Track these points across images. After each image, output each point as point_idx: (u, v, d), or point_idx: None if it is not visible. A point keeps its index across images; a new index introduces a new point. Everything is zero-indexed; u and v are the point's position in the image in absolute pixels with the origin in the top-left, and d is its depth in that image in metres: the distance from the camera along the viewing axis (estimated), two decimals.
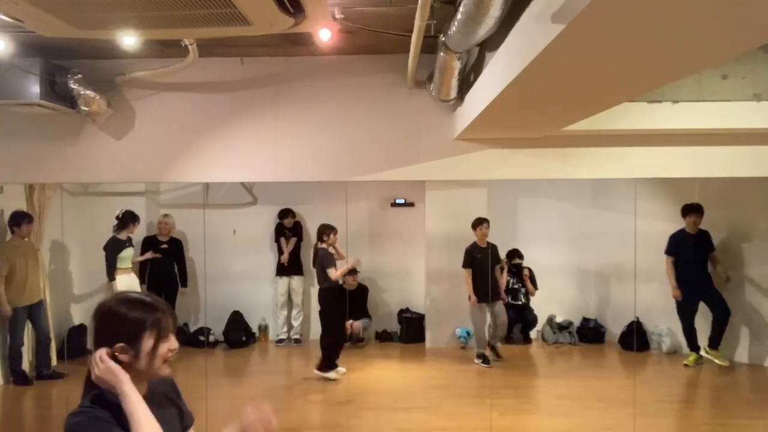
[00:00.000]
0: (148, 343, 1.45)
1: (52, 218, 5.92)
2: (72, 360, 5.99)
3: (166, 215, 6.83)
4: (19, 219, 5.55)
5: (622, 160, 4.75)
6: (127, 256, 6.10)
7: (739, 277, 6.13)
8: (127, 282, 5.96)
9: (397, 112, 4.77)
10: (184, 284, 6.81)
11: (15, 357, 5.64)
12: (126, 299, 1.49)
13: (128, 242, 6.16)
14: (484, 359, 6.10)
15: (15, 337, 5.57)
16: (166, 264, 6.63)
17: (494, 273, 6.21)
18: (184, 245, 6.94)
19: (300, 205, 7.16)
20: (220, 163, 4.78)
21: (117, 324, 1.44)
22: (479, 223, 6.20)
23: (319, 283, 5.80)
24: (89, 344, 6.44)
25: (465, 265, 6.24)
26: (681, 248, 6.03)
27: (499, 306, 6.25)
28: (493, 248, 6.28)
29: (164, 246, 6.66)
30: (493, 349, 6.24)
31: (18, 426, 5.02)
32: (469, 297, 6.18)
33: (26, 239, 5.63)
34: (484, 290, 6.17)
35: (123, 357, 1.43)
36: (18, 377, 5.62)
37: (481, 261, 6.19)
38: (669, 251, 6.07)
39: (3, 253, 5.49)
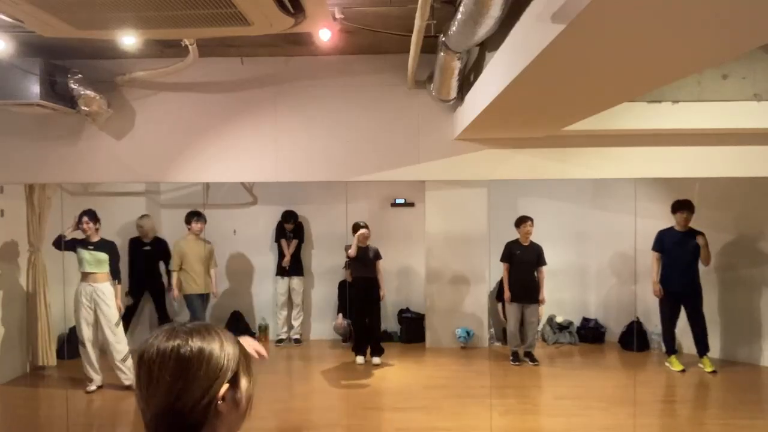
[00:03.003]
0: (244, 380, 1.10)
1: (52, 218, 5.92)
2: (71, 359, 6.00)
3: (143, 216, 6.64)
4: (190, 217, 6.20)
5: (622, 160, 4.75)
6: (84, 258, 5.35)
7: (739, 277, 6.13)
8: (85, 291, 5.33)
9: (397, 112, 4.77)
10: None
11: None
12: (189, 332, 1.08)
13: (81, 243, 5.37)
14: (514, 357, 6.21)
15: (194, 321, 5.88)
16: (150, 265, 6.51)
17: (538, 275, 6.21)
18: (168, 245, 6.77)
19: (300, 205, 7.16)
20: (220, 163, 4.78)
21: (203, 366, 1.04)
22: (522, 221, 6.22)
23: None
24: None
25: (502, 259, 6.31)
26: (667, 246, 5.96)
27: (531, 310, 6.21)
28: (536, 248, 6.24)
29: (147, 248, 6.55)
30: (527, 354, 6.25)
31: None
32: (504, 293, 6.26)
33: (198, 235, 6.25)
34: (518, 289, 6.20)
35: (226, 407, 1.06)
36: None
37: (519, 258, 6.20)
38: (654, 247, 6.02)
39: (177, 248, 6.28)
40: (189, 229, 6.28)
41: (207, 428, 1.04)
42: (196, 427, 1.03)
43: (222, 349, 1.07)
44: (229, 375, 1.06)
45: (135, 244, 6.60)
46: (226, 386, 1.05)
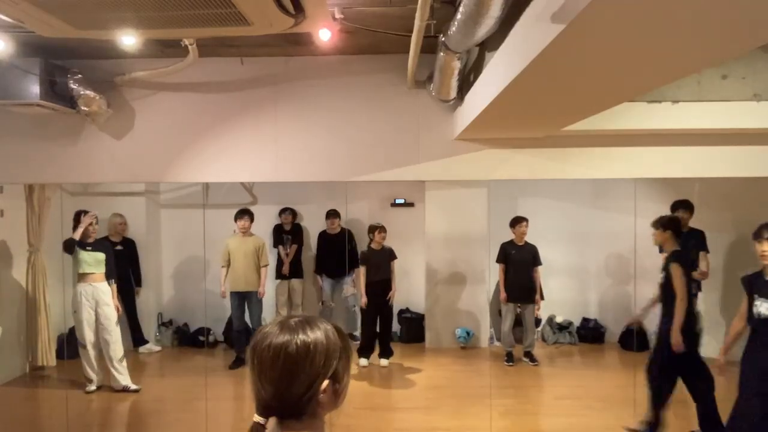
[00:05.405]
0: (345, 374, 1.21)
1: (51, 218, 5.92)
2: (71, 360, 6.00)
3: (118, 215, 6.58)
4: (237, 216, 6.26)
5: (622, 160, 4.75)
6: (82, 259, 5.34)
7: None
8: (86, 291, 5.33)
9: (397, 112, 4.77)
10: (139, 284, 6.73)
11: (234, 338, 6.40)
12: (296, 328, 1.17)
13: (78, 244, 5.35)
14: (508, 357, 6.21)
15: (233, 319, 6.37)
16: (120, 266, 6.15)
17: (533, 275, 6.22)
18: (137, 245, 6.77)
19: (300, 205, 7.16)
20: (220, 163, 4.78)
21: (306, 366, 1.14)
22: (517, 221, 6.23)
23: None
24: None
25: (498, 260, 6.32)
26: None
27: (529, 310, 6.24)
28: (531, 249, 6.25)
29: (119, 247, 6.44)
30: (526, 354, 6.27)
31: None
32: (500, 294, 6.26)
33: (245, 233, 6.23)
34: (514, 289, 6.21)
35: (326, 398, 1.17)
36: (235, 361, 6.18)
37: (514, 258, 6.21)
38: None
39: (225, 244, 6.30)
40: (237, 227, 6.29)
41: (309, 414, 1.16)
42: (300, 414, 1.15)
43: (326, 345, 1.16)
44: (330, 372, 1.16)
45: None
46: (327, 382, 1.15)
